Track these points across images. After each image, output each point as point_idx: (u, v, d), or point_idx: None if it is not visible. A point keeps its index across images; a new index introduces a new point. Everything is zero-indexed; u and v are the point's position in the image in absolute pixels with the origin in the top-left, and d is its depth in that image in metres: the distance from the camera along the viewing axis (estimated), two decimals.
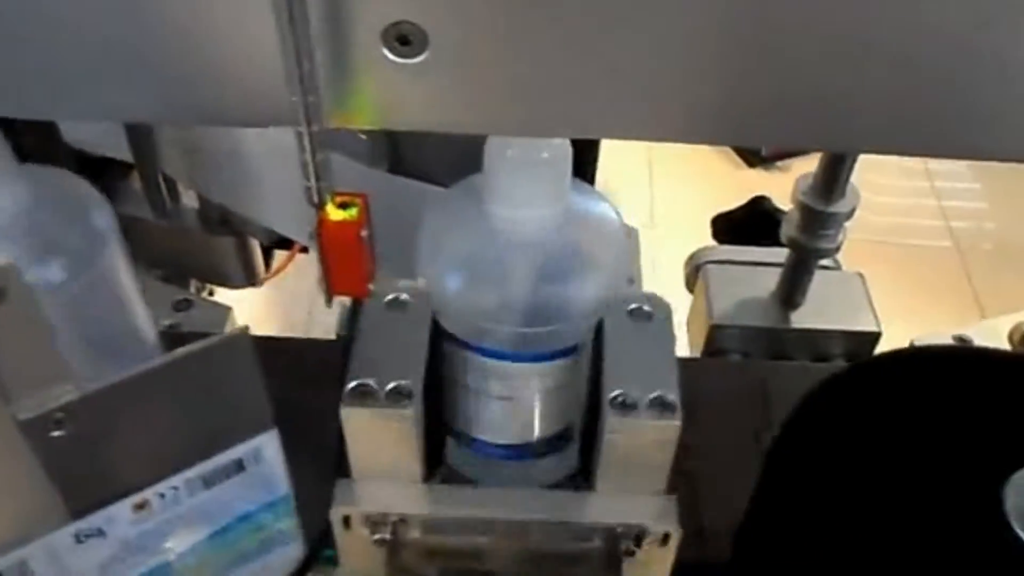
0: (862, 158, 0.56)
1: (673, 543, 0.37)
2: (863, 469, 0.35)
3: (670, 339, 0.37)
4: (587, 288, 0.35)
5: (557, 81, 0.27)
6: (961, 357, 0.41)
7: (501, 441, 0.40)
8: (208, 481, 0.35)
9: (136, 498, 0.33)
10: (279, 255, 0.72)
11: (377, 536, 0.37)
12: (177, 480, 0.34)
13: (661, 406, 0.34)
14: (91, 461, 0.31)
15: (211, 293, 0.78)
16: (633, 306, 0.38)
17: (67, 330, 0.35)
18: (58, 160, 0.50)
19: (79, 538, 0.33)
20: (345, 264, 0.31)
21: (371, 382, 0.35)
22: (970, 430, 0.36)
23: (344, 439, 0.37)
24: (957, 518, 0.33)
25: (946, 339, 0.61)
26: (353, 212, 0.30)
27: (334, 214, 0.30)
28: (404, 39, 0.27)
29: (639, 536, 0.36)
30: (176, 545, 0.36)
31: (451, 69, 0.28)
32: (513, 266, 0.35)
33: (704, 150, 1.77)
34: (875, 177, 1.66)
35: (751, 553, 0.37)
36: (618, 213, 0.36)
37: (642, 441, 0.35)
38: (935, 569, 0.32)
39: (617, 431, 0.34)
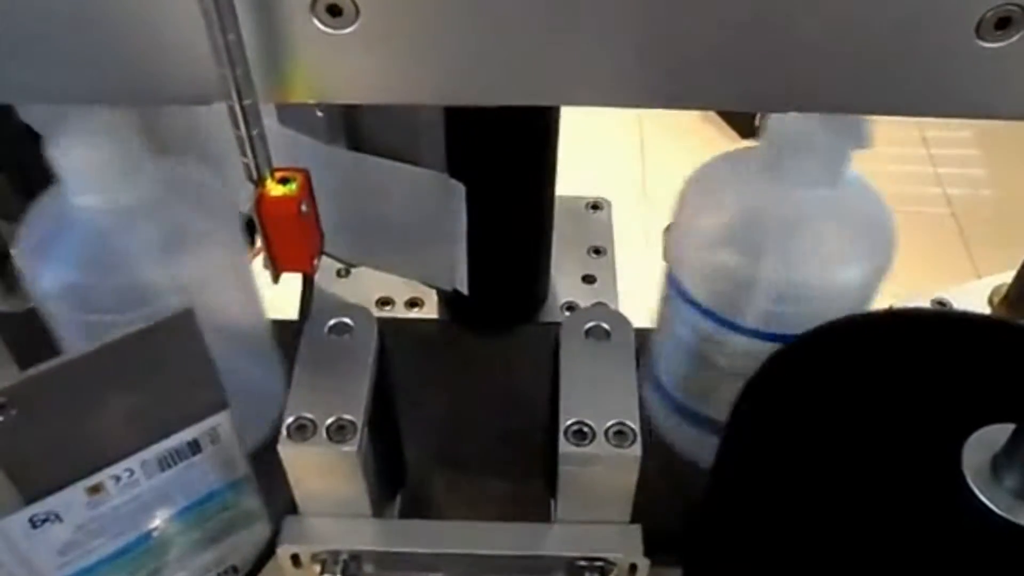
0: None
1: (641, 574, 0.35)
2: (825, 431, 0.35)
3: (630, 360, 0.35)
4: (848, 272, 0.33)
5: (489, 49, 0.27)
6: (929, 319, 0.41)
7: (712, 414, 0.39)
8: (164, 463, 0.34)
9: (90, 481, 0.33)
10: None
11: (327, 574, 0.35)
12: (132, 462, 0.34)
13: (620, 435, 0.33)
14: (40, 446, 0.31)
15: None
16: (591, 324, 0.35)
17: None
18: (14, 144, 0.49)
19: (34, 523, 0.32)
20: (287, 240, 0.31)
21: (311, 416, 0.33)
22: (935, 391, 0.36)
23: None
24: (917, 476, 0.33)
25: (925, 302, 0.61)
26: (292, 187, 0.30)
27: (273, 189, 0.30)
28: (335, 9, 0.27)
29: (603, 568, 0.35)
30: (138, 527, 0.36)
31: (383, 39, 0.27)
32: (775, 242, 0.33)
33: (697, 122, 1.75)
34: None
35: (715, 515, 0.37)
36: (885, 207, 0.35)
37: (601, 472, 0.33)
38: (894, 527, 0.32)
39: (574, 463, 0.33)
